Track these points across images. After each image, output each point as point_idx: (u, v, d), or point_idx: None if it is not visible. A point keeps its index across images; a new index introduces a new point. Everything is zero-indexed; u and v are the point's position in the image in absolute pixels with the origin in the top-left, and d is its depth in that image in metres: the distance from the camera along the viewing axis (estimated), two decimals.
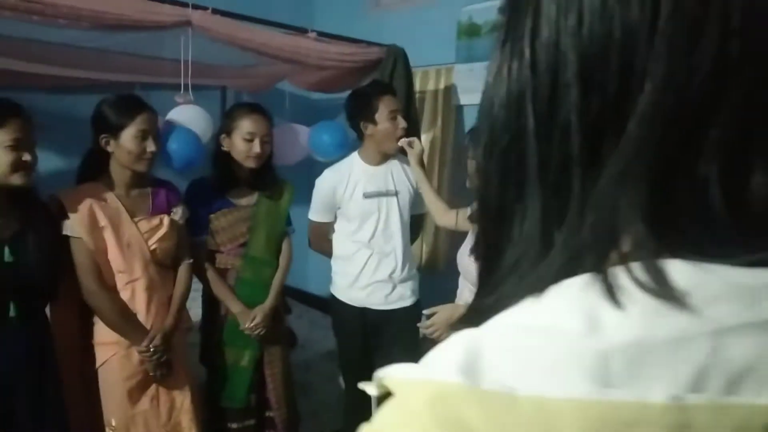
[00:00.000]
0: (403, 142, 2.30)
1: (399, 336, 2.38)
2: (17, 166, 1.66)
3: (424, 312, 1.87)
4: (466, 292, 1.93)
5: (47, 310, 1.90)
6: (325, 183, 2.39)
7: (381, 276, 2.37)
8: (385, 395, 0.35)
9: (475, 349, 0.30)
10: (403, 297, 2.41)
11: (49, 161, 2.61)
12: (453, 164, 3.09)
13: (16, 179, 1.67)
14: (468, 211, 2.06)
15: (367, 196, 2.35)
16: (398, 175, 2.41)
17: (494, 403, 0.28)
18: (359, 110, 2.34)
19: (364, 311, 2.40)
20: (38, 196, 1.83)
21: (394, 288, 2.39)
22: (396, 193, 2.38)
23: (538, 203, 0.35)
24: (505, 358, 0.29)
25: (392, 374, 0.33)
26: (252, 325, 2.18)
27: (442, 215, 2.25)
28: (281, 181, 2.33)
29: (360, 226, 2.37)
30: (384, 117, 2.29)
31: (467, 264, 1.88)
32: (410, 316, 2.38)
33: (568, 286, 0.31)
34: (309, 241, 2.56)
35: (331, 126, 2.63)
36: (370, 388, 0.36)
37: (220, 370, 2.23)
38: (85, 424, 1.96)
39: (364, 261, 2.37)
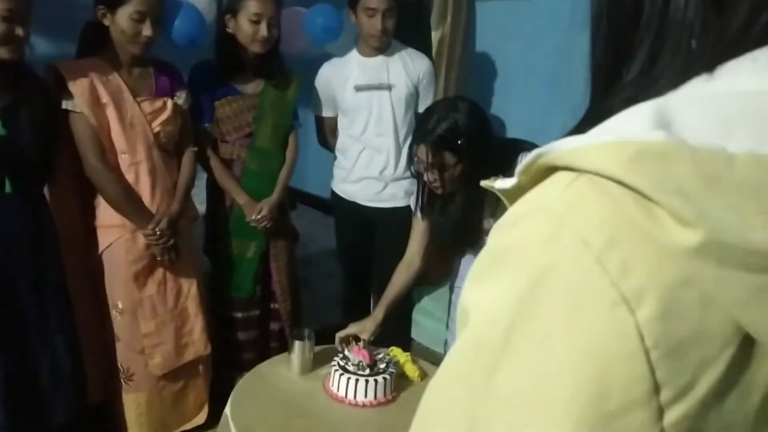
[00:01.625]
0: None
1: (390, 236, 2.33)
2: (7, 39, 1.54)
3: None
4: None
5: (46, 192, 1.84)
6: (322, 76, 2.35)
7: (372, 172, 2.33)
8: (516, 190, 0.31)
9: (665, 114, 0.28)
10: (395, 197, 2.35)
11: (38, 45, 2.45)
12: (462, 66, 2.97)
13: (4, 53, 1.57)
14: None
15: (358, 89, 2.27)
16: (395, 69, 2.29)
17: (707, 160, 0.25)
18: None
19: (356, 206, 2.38)
20: (31, 70, 1.73)
21: (385, 186, 2.35)
22: (389, 87, 2.27)
23: None
24: (704, 120, 0.27)
25: (560, 146, 0.29)
26: (259, 217, 2.14)
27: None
28: (288, 71, 2.22)
29: (352, 120, 2.32)
30: (362, 10, 2.17)
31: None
32: (402, 217, 2.27)
33: (753, 59, 0.29)
34: (318, 137, 2.53)
35: (326, 9, 2.45)
36: (501, 183, 0.33)
37: (226, 261, 2.21)
38: (88, 307, 1.94)
39: (357, 155, 2.34)
